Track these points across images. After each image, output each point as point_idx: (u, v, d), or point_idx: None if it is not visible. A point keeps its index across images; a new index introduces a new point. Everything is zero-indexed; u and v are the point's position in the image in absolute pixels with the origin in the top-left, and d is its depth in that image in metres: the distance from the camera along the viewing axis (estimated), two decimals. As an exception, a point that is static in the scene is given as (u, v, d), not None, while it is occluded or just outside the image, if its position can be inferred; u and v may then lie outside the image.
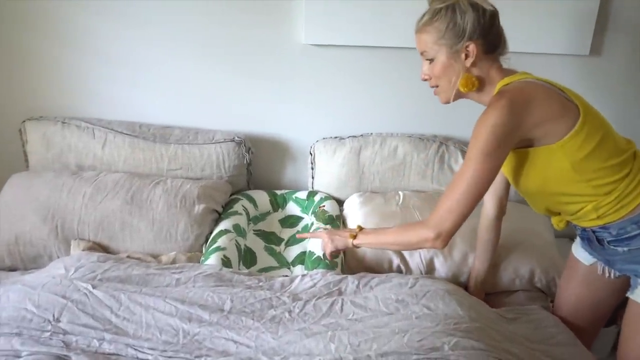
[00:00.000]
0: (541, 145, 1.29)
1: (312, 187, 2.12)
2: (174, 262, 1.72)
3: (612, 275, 1.44)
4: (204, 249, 1.78)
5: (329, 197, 2.04)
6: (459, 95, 1.37)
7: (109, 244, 1.78)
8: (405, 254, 1.76)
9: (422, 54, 1.38)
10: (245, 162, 2.04)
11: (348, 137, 2.05)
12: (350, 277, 1.56)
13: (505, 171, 1.43)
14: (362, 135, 2.05)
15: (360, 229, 1.53)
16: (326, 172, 2.06)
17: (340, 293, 1.50)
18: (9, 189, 1.87)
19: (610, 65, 2.02)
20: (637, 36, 1.90)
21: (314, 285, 1.53)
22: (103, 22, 1.96)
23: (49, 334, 1.32)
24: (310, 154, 2.08)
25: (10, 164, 2.10)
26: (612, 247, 1.36)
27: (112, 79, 2.04)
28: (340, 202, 2.05)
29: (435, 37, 1.33)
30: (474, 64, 1.33)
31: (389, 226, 1.55)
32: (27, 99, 2.08)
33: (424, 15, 1.36)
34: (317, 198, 2.03)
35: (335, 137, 2.06)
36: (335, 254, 1.58)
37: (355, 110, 2.09)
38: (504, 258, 1.72)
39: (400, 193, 1.99)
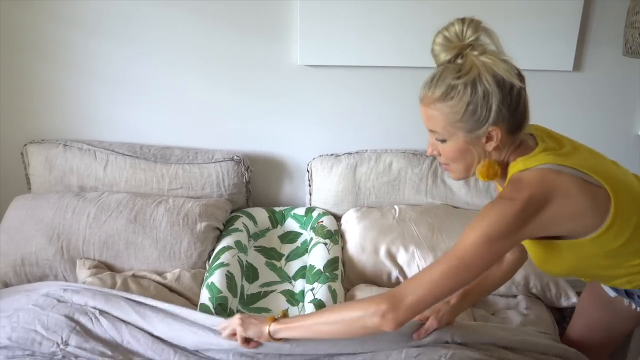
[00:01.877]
0: (569, 239, 1.12)
1: (310, 204, 2.18)
2: (178, 278, 1.76)
3: (638, 308, 1.34)
4: (207, 265, 1.82)
5: (327, 212, 2.09)
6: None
7: (114, 262, 1.81)
8: (404, 265, 1.81)
9: (429, 130, 1.15)
10: (244, 180, 2.09)
11: (344, 154, 2.11)
12: None
13: (530, 253, 1.26)
14: (357, 151, 2.11)
15: (284, 315, 1.32)
16: (323, 189, 2.11)
17: None
18: (13, 211, 1.90)
19: (593, 80, 2.11)
20: (618, 50, 1.99)
21: None
22: (102, 45, 2.02)
23: (59, 357, 1.35)
24: (308, 171, 2.14)
25: (12, 187, 2.13)
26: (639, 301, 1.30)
27: (112, 101, 2.09)
28: (337, 218, 2.10)
29: (450, 119, 1.09)
30: (495, 148, 1.12)
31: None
32: (29, 122, 2.12)
33: (432, 81, 1.10)
34: (315, 214, 2.08)
35: (332, 154, 2.12)
36: (251, 346, 1.32)
37: (350, 128, 2.16)
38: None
39: (396, 207, 2.04)
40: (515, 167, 1.13)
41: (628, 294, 1.32)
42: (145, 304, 1.48)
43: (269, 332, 1.26)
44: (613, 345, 1.58)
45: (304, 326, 1.24)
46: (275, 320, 1.27)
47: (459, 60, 1.08)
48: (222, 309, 1.56)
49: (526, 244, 1.25)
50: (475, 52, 1.07)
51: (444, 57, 1.09)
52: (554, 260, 1.19)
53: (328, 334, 1.24)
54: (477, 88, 1.05)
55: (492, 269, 1.38)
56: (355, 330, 1.18)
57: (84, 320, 1.41)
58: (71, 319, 1.41)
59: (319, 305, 1.58)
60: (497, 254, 1.10)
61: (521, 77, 1.10)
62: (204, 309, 1.57)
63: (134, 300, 1.50)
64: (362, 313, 1.13)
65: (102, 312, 1.44)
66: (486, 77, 1.05)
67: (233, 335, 1.33)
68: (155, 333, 1.40)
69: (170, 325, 1.41)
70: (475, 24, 1.07)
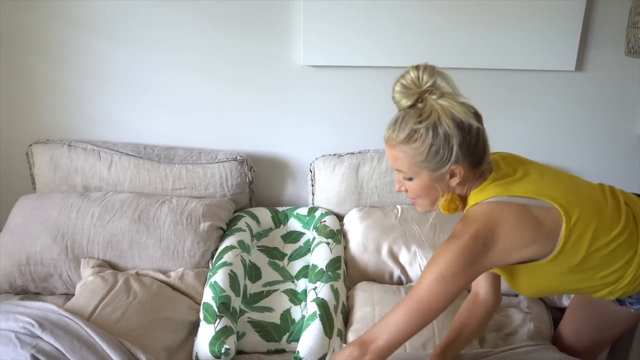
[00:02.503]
0: (529, 263, 1.18)
1: (313, 203, 2.19)
2: (181, 277, 1.77)
3: (632, 309, 1.35)
4: (210, 264, 1.83)
5: (329, 212, 2.11)
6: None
7: (118, 262, 1.82)
8: (406, 264, 1.82)
9: (396, 170, 1.21)
10: (247, 180, 2.10)
11: (346, 154, 2.12)
12: None
13: (504, 278, 1.30)
14: (360, 151, 2.12)
15: None
16: (326, 189, 2.12)
17: None
18: (18, 211, 1.91)
19: (595, 80, 2.11)
20: (620, 50, 1.99)
21: None
22: (106, 46, 2.03)
23: None
24: (310, 171, 2.15)
25: (17, 187, 2.15)
26: (633, 306, 1.32)
27: (116, 101, 2.11)
28: (340, 217, 2.11)
29: (415, 160, 1.15)
30: (459, 183, 1.18)
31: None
32: (34, 123, 2.14)
33: (396, 124, 1.15)
34: (317, 214, 2.09)
35: (334, 155, 2.13)
36: None
37: (352, 128, 2.17)
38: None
39: (398, 207, 2.05)
40: (470, 201, 1.20)
41: (619, 301, 1.33)
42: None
43: None
44: (604, 346, 1.60)
45: None
46: None
47: (419, 105, 1.14)
48: (225, 308, 1.58)
49: (493, 270, 1.29)
50: (434, 96, 1.13)
51: (405, 103, 1.15)
52: (521, 283, 1.24)
53: None
54: (438, 131, 1.11)
55: (474, 308, 1.42)
56: None
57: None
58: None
59: (322, 304, 1.59)
60: (455, 292, 1.14)
61: (478, 117, 1.16)
62: (207, 308, 1.58)
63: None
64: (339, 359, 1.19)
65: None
66: (446, 120, 1.11)
67: None
68: None
69: None
70: (430, 70, 1.13)
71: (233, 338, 1.51)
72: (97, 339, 1.36)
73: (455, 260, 1.11)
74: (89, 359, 1.31)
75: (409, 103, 1.14)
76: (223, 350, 1.45)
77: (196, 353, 1.49)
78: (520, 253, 1.15)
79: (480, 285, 1.42)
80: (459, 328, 1.42)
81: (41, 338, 1.34)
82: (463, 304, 1.47)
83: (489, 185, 1.19)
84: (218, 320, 1.53)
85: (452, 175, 1.17)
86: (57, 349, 1.32)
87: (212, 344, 1.47)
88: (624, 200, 1.26)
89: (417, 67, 1.14)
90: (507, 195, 1.16)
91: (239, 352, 1.57)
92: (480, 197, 1.18)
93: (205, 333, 1.51)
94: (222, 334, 1.49)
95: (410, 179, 1.19)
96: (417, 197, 1.23)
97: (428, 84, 1.13)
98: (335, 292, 1.66)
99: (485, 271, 1.19)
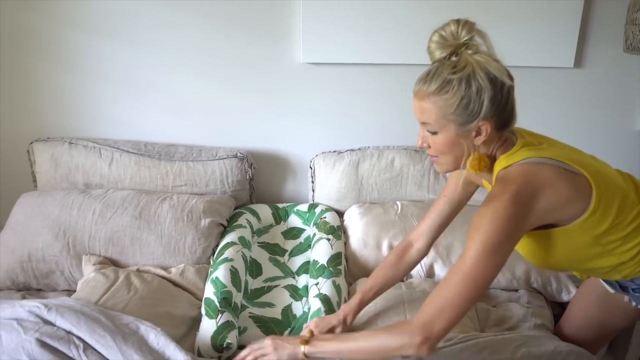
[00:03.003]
0: (558, 227, 1.18)
1: (313, 200, 2.20)
2: (182, 273, 1.78)
3: (633, 303, 1.38)
4: (211, 260, 1.84)
5: (330, 208, 2.11)
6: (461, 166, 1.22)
7: (119, 258, 1.83)
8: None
9: (421, 123, 1.19)
10: (247, 177, 2.11)
11: (346, 151, 2.13)
12: None
13: (522, 251, 1.30)
14: (359, 148, 2.13)
15: (312, 334, 1.35)
16: (326, 185, 2.13)
17: None
18: (20, 208, 1.92)
19: (593, 76, 2.12)
20: (618, 48, 2.00)
21: None
22: (106, 45, 2.04)
23: None
24: (310, 167, 2.16)
25: (18, 184, 2.15)
26: (635, 294, 1.34)
27: (116, 99, 2.12)
28: (340, 214, 2.12)
29: (444, 112, 1.13)
30: (483, 142, 1.17)
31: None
32: (34, 121, 2.14)
33: (428, 75, 1.14)
34: (317, 210, 2.10)
35: (334, 151, 2.14)
36: None
37: (352, 125, 2.18)
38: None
39: (398, 203, 2.06)
40: (499, 164, 1.19)
41: (622, 288, 1.35)
42: (132, 343, 1.33)
43: (304, 353, 1.25)
44: (605, 341, 1.61)
45: (341, 351, 1.25)
46: (307, 341, 1.26)
47: (454, 58, 1.13)
48: (226, 303, 1.58)
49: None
50: (469, 51, 1.12)
51: (439, 54, 1.14)
52: (546, 251, 1.22)
53: (363, 359, 1.27)
54: (471, 83, 1.10)
55: (403, 261, 1.48)
56: (392, 356, 1.20)
57: (70, 355, 1.30)
58: (55, 350, 1.30)
59: (324, 299, 1.60)
60: (504, 259, 1.12)
61: (511, 77, 1.15)
62: (209, 303, 1.59)
63: (120, 334, 1.35)
64: (398, 344, 1.15)
65: (86, 346, 1.31)
66: (480, 74, 1.10)
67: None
68: None
69: None
70: (469, 25, 1.12)
71: (235, 333, 1.52)
72: (102, 316, 1.37)
73: (499, 228, 1.09)
74: (95, 329, 1.32)
75: (444, 55, 1.13)
76: (225, 345, 1.46)
77: (198, 348, 1.50)
78: (558, 212, 1.15)
79: (421, 235, 1.46)
80: (383, 284, 1.46)
81: (45, 323, 1.35)
82: (389, 256, 1.50)
83: (519, 150, 1.18)
84: (220, 315, 1.54)
85: (478, 133, 1.15)
86: (63, 330, 1.33)
87: (214, 338, 1.48)
88: (635, 182, 1.29)
89: (457, 21, 1.13)
90: (540, 157, 1.16)
91: (241, 347, 1.56)
92: (512, 159, 1.17)
93: (207, 327, 1.52)
94: (224, 329, 1.49)
95: (435, 133, 1.17)
96: (440, 154, 1.20)
97: (465, 39, 1.12)
98: (337, 288, 1.67)
99: (527, 231, 1.16)
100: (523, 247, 1.27)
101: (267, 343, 1.29)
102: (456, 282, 1.11)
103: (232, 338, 1.48)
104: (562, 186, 1.13)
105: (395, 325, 1.23)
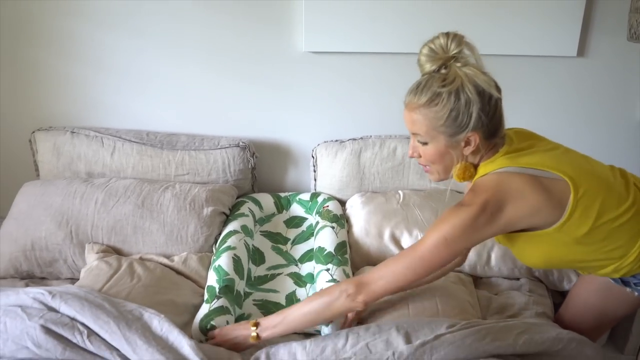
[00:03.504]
0: (536, 231, 1.22)
1: (315, 189, 2.20)
2: (185, 261, 1.79)
3: (636, 293, 1.39)
4: (214, 249, 1.84)
5: (332, 197, 2.12)
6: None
7: (122, 247, 1.84)
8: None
9: (412, 134, 1.24)
10: (249, 166, 2.11)
11: (348, 140, 2.12)
12: None
13: (512, 251, 1.35)
14: (361, 137, 2.13)
15: (257, 322, 1.38)
16: (328, 174, 2.13)
17: None
18: (22, 197, 1.92)
19: (596, 65, 2.11)
20: (622, 37, 1.99)
21: None
22: (108, 34, 2.03)
23: None
24: (312, 157, 2.16)
25: (21, 173, 2.16)
26: (638, 287, 1.35)
27: (118, 89, 2.12)
28: (342, 203, 2.12)
29: (434, 124, 1.18)
30: (472, 152, 1.22)
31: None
32: (37, 110, 2.14)
33: (418, 88, 1.19)
34: (320, 199, 2.10)
35: (336, 140, 2.14)
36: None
37: (354, 114, 2.17)
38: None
39: (400, 192, 2.06)
40: (478, 172, 1.24)
41: (624, 282, 1.36)
42: (136, 329, 1.32)
43: (256, 333, 1.35)
44: (605, 329, 1.63)
45: (285, 322, 1.34)
46: (256, 324, 1.36)
47: (443, 71, 1.18)
48: (227, 290, 1.59)
49: (500, 239, 1.33)
50: (458, 64, 1.16)
51: (429, 67, 1.19)
52: (527, 252, 1.28)
53: (308, 324, 1.37)
54: (460, 96, 1.15)
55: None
56: (329, 314, 1.32)
57: (74, 341, 1.30)
58: (60, 337, 1.30)
59: None
60: (455, 253, 1.21)
61: (498, 89, 1.19)
62: (210, 290, 1.60)
63: (124, 320, 1.34)
64: (334, 297, 1.27)
65: (90, 332, 1.31)
66: (468, 86, 1.14)
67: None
68: None
69: None
70: (458, 38, 1.17)
71: (227, 318, 1.51)
72: (106, 303, 1.38)
73: (461, 225, 1.16)
74: (99, 316, 1.33)
75: (434, 67, 1.18)
76: (209, 327, 1.47)
77: (191, 331, 1.51)
78: (527, 221, 1.19)
79: None
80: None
81: (50, 309, 1.35)
82: None
83: (499, 158, 1.23)
84: (215, 300, 1.55)
85: (467, 143, 1.20)
86: (67, 316, 1.33)
87: (201, 320, 1.49)
88: (633, 181, 1.29)
89: (446, 34, 1.17)
90: (515, 166, 1.20)
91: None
92: (489, 168, 1.22)
93: (201, 312, 1.54)
94: (213, 312, 1.50)
95: (426, 144, 1.22)
96: (431, 164, 1.26)
97: (454, 52, 1.16)
98: (347, 276, 1.68)
99: (489, 238, 1.22)
100: (510, 246, 1.33)
101: (215, 333, 1.41)
102: (404, 260, 1.22)
103: (219, 322, 1.48)
104: (532, 196, 1.17)
105: (333, 285, 1.34)
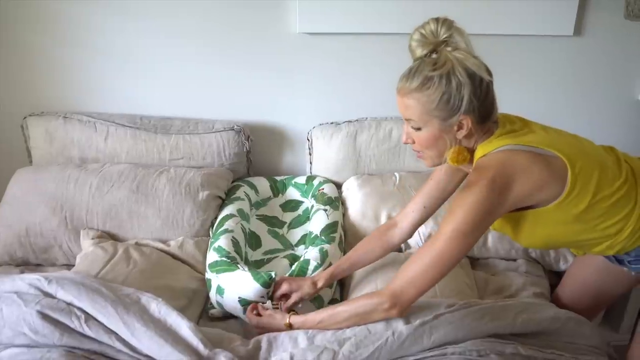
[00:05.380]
0: (536, 208, 1.23)
1: (311, 172, 2.19)
2: (181, 246, 1.78)
3: (633, 272, 1.40)
4: (210, 232, 1.84)
5: (328, 180, 2.10)
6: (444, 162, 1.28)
7: (117, 232, 1.82)
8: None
9: (406, 119, 1.24)
10: (245, 149, 2.09)
11: (344, 122, 2.11)
12: None
13: (504, 230, 1.34)
14: (357, 120, 2.11)
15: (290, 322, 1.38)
16: (324, 157, 2.12)
17: None
18: (16, 184, 1.90)
19: (593, 44, 2.09)
20: (619, 15, 1.98)
21: None
22: (99, 17, 2.00)
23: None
24: (308, 139, 2.14)
25: (13, 160, 2.13)
26: (632, 265, 1.36)
27: (111, 72, 2.08)
28: (338, 186, 2.11)
29: (427, 108, 1.18)
30: (466, 136, 1.22)
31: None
32: (28, 95, 2.11)
33: (409, 73, 1.20)
34: (315, 182, 2.09)
35: (332, 123, 2.12)
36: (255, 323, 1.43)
37: (350, 96, 2.15)
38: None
39: (396, 174, 2.05)
40: (477, 154, 1.25)
41: (619, 261, 1.37)
42: (134, 313, 1.31)
43: (289, 322, 1.37)
44: (601, 308, 1.64)
45: (318, 327, 1.34)
46: (291, 316, 1.38)
47: (434, 55, 1.19)
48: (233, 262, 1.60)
49: (495, 225, 1.32)
50: (449, 49, 1.17)
51: (420, 52, 1.20)
52: (526, 231, 1.28)
53: (344, 327, 1.34)
54: (451, 79, 1.15)
55: (385, 239, 1.54)
56: (367, 321, 1.31)
57: (72, 326, 1.29)
58: (57, 322, 1.29)
59: (304, 262, 1.62)
60: (474, 242, 1.21)
61: (489, 72, 1.20)
62: (218, 263, 1.60)
63: (122, 303, 1.33)
64: (370, 309, 1.28)
65: (88, 317, 1.30)
66: (459, 70, 1.15)
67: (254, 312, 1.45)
68: (144, 351, 1.28)
69: (160, 347, 1.26)
70: (448, 23, 1.17)
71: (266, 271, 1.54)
72: (103, 288, 1.37)
73: (474, 213, 1.15)
74: (96, 300, 1.32)
75: (425, 52, 1.19)
76: (273, 276, 1.48)
77: (239, 297, 1.50)
78: (532, 197, 1.19)
79: (406, 217, 1.50)
80: (359, 256, 1.54)
81: (46, 295, 1.34)
82: (373, 232, 1.58)
83: (496, 138, 1.23)
84: (240, 265, 1.56)
85: (460, 127, 1.20)
86: (64, 301, 1.33)
87: (256, 278, 1.48)
88: (623, 159, 1.31)
89: (436, 20, 1.18)
90: (516, 143, 1.21)
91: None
92: (488, 148, 1.23)
93: (236, 277, 1.52)
94: (256, 267, 1.54)
95: (419, 129, 1.22)
96: (425, 149, 1.26)
97: (445, 36, 1.17)
98: (323, 254, 1.65)
99: (500, 216, 1.22)
100: (507, 228, 1.32)
101: (255, 318, 1.43)
102: (427, 259, 1.20)
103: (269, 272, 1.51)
104: (536, 171, 1.18)
105: (370, 294, 1.33)
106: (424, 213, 1.49)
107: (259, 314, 1.44)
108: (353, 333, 1.29)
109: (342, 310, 1.32)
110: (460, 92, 1.16)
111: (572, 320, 1.38)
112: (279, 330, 1.37)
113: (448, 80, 1.15)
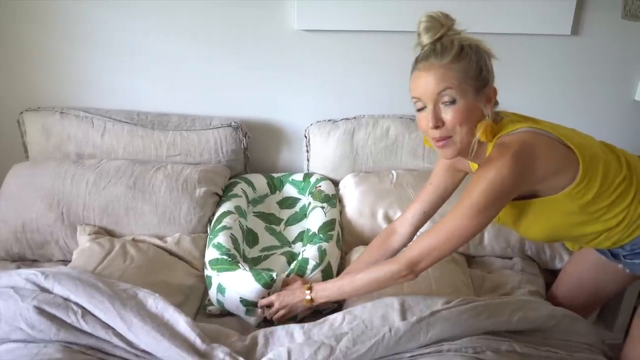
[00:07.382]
0: (545, 196, 1.24)
1: (308, 169, 2.19)
2: (178, 242, 1.78)
3: (627, 270, 1.42)
4: (208, 229, 1.84)
5: (325, 178, 2.10)
6: (466, 150, 1.23)
7: (114, 228, 1.82)
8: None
9: (437, 94, 1.18)
10: (242, 146, 2.09)
11: (341, 120, 2.11)
12: None
13: (506, 221, 1.35)
14: (355, 117, 2.12)
15: (310, 286, 1.44)
16: (321, 154, 2.12)
17: None
18: (12, 179, 1.89)
19: (591, 44, 2.10)
20: (616, 14, 1.98)
21: None
22: (97, 12, 1.99)
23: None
24: (305, 137, 2.14)
25: (9, 155, 2.12)
26: (627, 260, 1.37)
27: (108, 68, 2.08)
28: (335, 183, 2.11)
29: (464, 76, 1.17)
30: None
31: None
32: (25, 90, 2.10)
33: (435, 50, 1.18)
34: (312, 179, 2.09)
35: (329, 120, 2.12)
36: (278, 317, 1.47)
37: (347, 93, 2.15)
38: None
39: (394, 172, 2.06)
40: (499, 132, 1.24)
41: (614, 255, 1.38)
42: (131, 308, 1.31)
43: (310, 297, 1.42)
44: (596, 306, 1.65)
45: (339, 293, 1.42)
46: (310, 288, 1.43)
47: (444, 39, 1.20)
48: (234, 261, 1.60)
49: (501, 216, 1.32)
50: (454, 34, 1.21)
51: (430, 36, 1.20)
52: (529, 221, 1.29)
53: (362, 292, 1.42)
54: (480, 51, 1.20)
55: (383, 248, 1.55)
56: (384, 285, 1.39)
57: (68, 321, 1.29)
58: (54, 317, 1.29)
59: (303, 261, 1.61)
60: (490, 220, 1.22)
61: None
62: (218, 261, 1.59)
63: (119, 298, 1.33)
64: (389, 276, 1.33)
65: (85, 312, 1.30)
66: (478, 43, 1.20)
67: (268, 307, 1.49)
68: (141, 346, 1.28)
69: (158, 342, 1.26)
70: (445, 15, 1.22)
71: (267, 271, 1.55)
72: (100, 283, 1.37)
73: (494, 188, 1.16)
74: (93, 295, 1.32)
75: (437, 36, 1.19)
76: (275, 276, 1.50)
77: (240, 298, 1.50)
78: (548, 181, 1.21)
79: (405, 222, 1.51)
80: (362, 268, 1.47)
81: (43, 290, 1.34)
82: (374, 240, 1.60)
83: (511, 122, 1.24)
84: (241, 265, 1.56)
85: (488, 99, 1.21)
86: (61, 297, 1.32)
87: (257, 279, 1.49)
88: (619, 152, 1.35)
89: (434, 13, 1.21)
90: (535, 127, 1.23)
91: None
92: (509, 128, 1.23)
93: (237, 277, 1.52)
94: (254, 264, 1.55)
95: (454, 102, 1.18)
96: (458, 125, 1.19)
97: (450, 23, 1.21)
98: (322, 253, 1.64)
99: (519, 194, 1.23)
100: (508, 218, 1.32)
101: (273, 299, 1.46)
102: (444, 232, 1.24)
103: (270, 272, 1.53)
104: (556, 156, 1.20)
105: (387, 261, 1.38)
106: (423, 218, 1.50)
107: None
108: (350, 328, 1.30)
109: (361, 277, 1.37)
110: (487, 63, 1.20)
111: (567, 317, 1.39)
112: (302, 301, 1.42)
113: (478, 51, 1.19)
